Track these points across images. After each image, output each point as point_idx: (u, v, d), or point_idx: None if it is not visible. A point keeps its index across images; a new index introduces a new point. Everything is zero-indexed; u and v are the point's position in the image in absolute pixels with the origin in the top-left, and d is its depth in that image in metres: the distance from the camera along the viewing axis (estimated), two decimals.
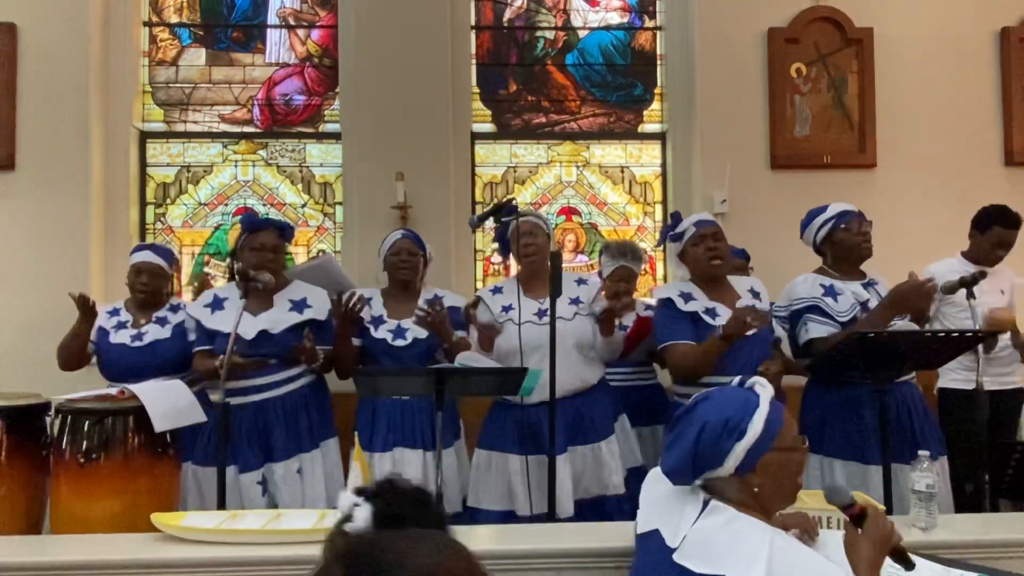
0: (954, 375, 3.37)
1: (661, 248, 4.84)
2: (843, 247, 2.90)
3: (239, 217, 4.67)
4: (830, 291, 2.85)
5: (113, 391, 2.85)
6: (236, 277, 2.93)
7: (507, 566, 1.91)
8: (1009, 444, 3.09)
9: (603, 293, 3.14)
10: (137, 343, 3.17)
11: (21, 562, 1.89)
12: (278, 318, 3.01)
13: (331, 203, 4.83)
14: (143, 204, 4.77)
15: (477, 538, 2.09)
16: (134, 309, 3.32)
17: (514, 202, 2.81)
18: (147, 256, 3.34)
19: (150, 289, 3.29)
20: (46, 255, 4.27)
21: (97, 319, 3.28)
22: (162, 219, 4.79)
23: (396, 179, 4.44)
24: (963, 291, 2.94)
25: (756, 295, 2.87)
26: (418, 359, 3.09)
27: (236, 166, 4.83)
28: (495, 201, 4.74)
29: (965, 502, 2.91)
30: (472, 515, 2.93)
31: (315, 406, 3.04)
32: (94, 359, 3.36)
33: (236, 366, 2.74)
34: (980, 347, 2.90)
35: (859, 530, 1.48)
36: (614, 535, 1.90)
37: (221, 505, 2.59)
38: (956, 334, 2.59)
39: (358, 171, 4.61)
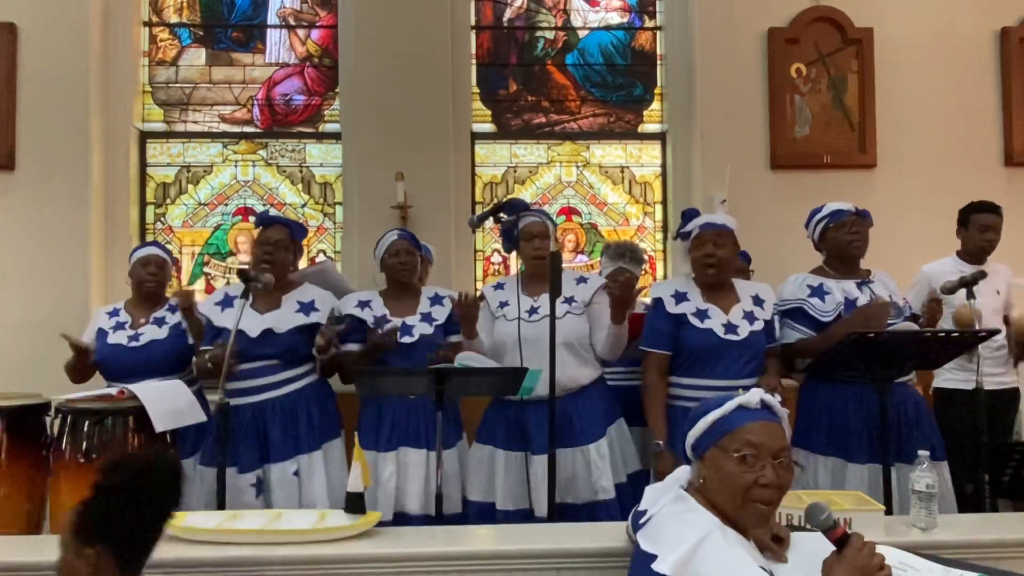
0: (950, 375, 3.37)
1: (662, 248, 4.85)
2: (834, 245, 2.92)
3: (239, 217, 4.69)
4: (817, 291, 2.86)
5: (113, 391, 2.85)
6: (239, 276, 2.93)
7: (507, 566, 1.91)
8: (1008, 444, 3.09)
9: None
10: (133, 343, 3.16)
11: (21, 562, 1.89)
12: (284, 318, 3.00)
13: (331, 203, 4.83)
14: (143, 204, 4.77)
15: (478, 538, 2.09)
16: (133, 308, 3.31)
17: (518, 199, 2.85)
18: (153, 249, 3.39)
19: (158, 280, 3.31)
20: (46, 255, 4.26)
21: (95, 320, 3.29)
22: (162, 219, 4.79)
23: (396, 179, 4.44)
24: (963, 291, 2.94)
25: (760, 303, 2.84)
26: (425, 356, 3.03)
27: (236, 166, 4.83)
28: (495, 201, 4.74)
29: (965, 502, 2.90)
30: (466, 507, 2.99)
31: (317, 407, 3.02)
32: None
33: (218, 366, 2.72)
34: (979, 347, 2.90)
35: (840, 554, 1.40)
36: (613, 535, 1.90)
37: (221, 505, 2.59)
38: (956, 334, 2.60)
39: (358, 171, 4.61)
